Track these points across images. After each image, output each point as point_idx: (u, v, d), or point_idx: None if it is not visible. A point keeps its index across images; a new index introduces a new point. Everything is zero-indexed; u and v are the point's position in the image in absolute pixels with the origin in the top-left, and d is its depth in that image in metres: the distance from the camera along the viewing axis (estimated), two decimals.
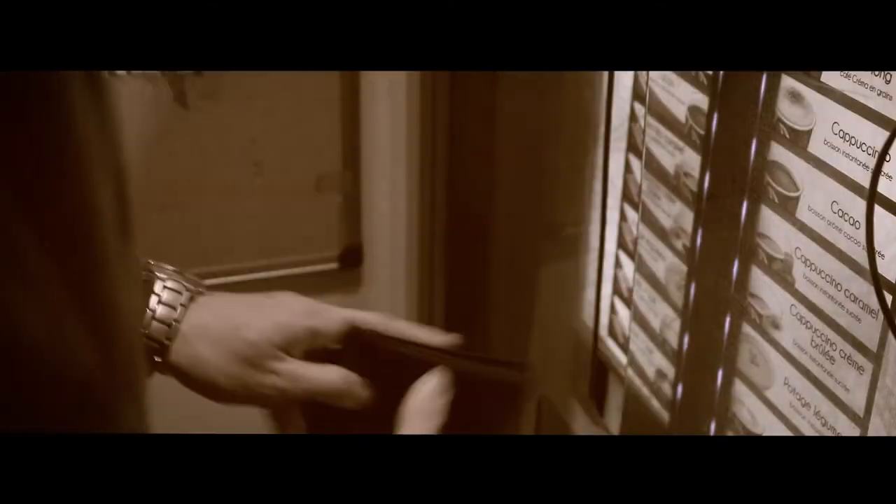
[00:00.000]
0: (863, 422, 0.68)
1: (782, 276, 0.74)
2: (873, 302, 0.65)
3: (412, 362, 0.64)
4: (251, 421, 0.70)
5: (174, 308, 0.69)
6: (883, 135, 0.62)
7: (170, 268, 0.71)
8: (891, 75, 0.61)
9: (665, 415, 0.95)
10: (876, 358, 0.66)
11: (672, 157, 0.89)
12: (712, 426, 0.86)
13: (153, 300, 0.68)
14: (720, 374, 0.84)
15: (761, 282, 0.77)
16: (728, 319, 0.82)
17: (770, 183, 0.74)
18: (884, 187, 0.62)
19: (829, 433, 0.71)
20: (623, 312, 1.07)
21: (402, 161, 1.51)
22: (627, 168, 1.02)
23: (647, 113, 0.92)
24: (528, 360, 0.64)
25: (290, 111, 1.49)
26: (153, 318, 0.68)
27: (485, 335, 1.44)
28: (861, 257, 0.66)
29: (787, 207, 0.73)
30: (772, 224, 0.75)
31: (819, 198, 0.70)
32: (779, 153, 0.73)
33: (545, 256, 1.30)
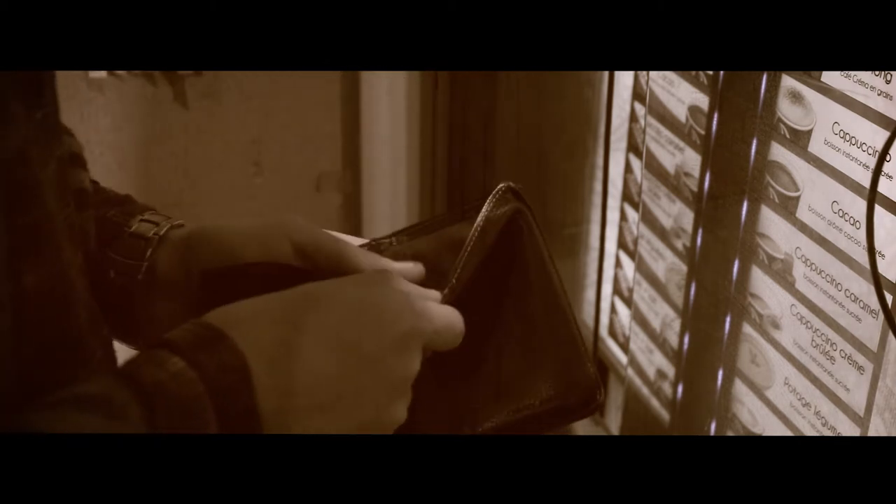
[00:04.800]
0: (863, 422, 0.68)
1: (782, 276, 0.74)
2: (873, 302, 0.64)
3: None
4: None
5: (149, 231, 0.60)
6: (883, 135, 0.62)
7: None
8: (891, 75, 0.61)
9: (665, 415, 0.95)
10: (876, 358, 0.66)
11: (672, 157, 0.89)
12: (712, 426, 0.86)
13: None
14: (720, 374, 0.84)
15: (761, 282, 0.77)
16: (728, 319, 0.82)
17: (770, 183, 0.74)
18: (884, 187, 0.62)
19: (829, 433, 0.71)
20: (623, 312, 1.07)
21: (402, 161, 1.51)
22: (627, 168, 1.02)
23: (647, 113, 0.92)
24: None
25: (290, 111, 1.49)
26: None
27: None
28: (861, 257, 0.66)
29: (787, 207, 0.73)
30: (772, 224, 0.75)
31: (819, 198, 0.70)
32: (779, 153, 0.73)
33: None
